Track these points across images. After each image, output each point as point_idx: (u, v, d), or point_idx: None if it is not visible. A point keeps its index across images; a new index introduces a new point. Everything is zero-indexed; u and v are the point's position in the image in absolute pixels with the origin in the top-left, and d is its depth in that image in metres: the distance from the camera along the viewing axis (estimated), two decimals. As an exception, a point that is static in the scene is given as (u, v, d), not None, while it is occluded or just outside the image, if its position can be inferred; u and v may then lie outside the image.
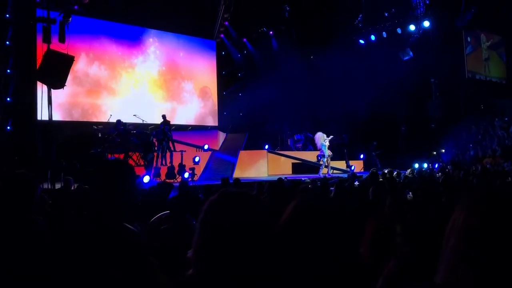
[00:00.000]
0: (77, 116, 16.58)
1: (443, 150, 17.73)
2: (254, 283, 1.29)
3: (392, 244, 2.09)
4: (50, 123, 10.70)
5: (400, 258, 1.90)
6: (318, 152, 15.37)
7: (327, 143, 14.72)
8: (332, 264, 1.24)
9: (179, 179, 12.48)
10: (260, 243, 1.32)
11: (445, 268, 1.03)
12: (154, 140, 13.99)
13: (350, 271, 1.25)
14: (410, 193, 6.00)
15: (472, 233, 1.00)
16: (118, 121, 13.59)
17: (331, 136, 14.80)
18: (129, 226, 1.91)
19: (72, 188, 7.61)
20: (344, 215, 1.33)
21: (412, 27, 18.12)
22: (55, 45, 10.79)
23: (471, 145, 17.98)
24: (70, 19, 11.66)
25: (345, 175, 13.28)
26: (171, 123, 14.93)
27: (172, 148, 14.56)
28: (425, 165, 15.66)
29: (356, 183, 8.46)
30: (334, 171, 15.86)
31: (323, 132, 15.01)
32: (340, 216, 1.32)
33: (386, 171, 10.37)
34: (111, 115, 14.69)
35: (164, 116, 14.71)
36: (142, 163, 13.27)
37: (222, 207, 1.37)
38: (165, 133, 13.92)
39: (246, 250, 1.30)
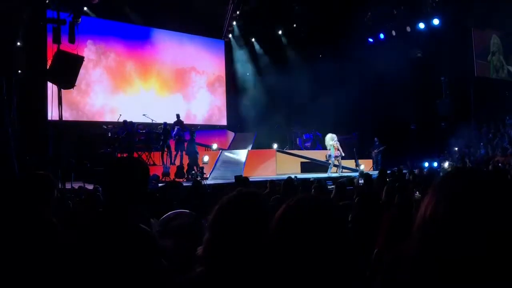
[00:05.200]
0: (87, 116, 16.70)
1: (456, 149, 17.59)
2: (264, 281, 1.28)
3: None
4: (60, 123, 10.79)
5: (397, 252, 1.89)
6: (327, 151, 15.38)
7: (335, 145, 14.77)
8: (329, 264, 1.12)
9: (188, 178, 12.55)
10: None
11: (411, 261, 0.88)
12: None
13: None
14: (417, 192, 5.99)
15: (440, 223, 0.83)
16: (125, 121, 13.65)
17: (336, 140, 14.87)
18: (143, 226, 1.90)
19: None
20: (339, 217, 1.18)
21: (421, 25, 18.00)
22: (65, 46, 10.89)
23: (482, 144, 17.82)
24: (80, 20, 11.76)
25: (355, 174, 13.23)
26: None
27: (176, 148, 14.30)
28: (435, 164, 15.56)
29: (361, 181, 8.45)
30: (344, 171, 15.82)
31: (333, 133, 15.09)
32: (335, 218, 1.17)
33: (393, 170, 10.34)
34: (120, 114, 14.77)
35: (178, 116, 14.55)
36: (152, 163, 13.34)
37: (240, 205, 1.36)
38: (167, 133, 13.74)
39: (260, 248, 1.26)
